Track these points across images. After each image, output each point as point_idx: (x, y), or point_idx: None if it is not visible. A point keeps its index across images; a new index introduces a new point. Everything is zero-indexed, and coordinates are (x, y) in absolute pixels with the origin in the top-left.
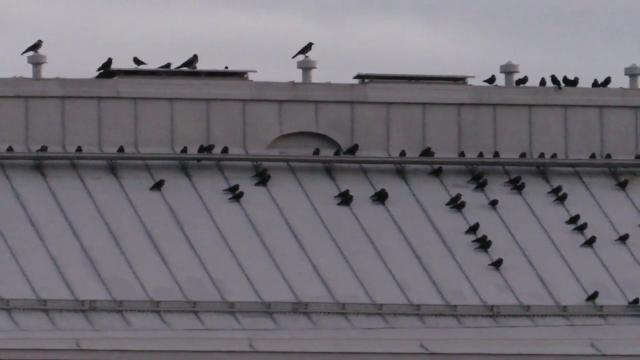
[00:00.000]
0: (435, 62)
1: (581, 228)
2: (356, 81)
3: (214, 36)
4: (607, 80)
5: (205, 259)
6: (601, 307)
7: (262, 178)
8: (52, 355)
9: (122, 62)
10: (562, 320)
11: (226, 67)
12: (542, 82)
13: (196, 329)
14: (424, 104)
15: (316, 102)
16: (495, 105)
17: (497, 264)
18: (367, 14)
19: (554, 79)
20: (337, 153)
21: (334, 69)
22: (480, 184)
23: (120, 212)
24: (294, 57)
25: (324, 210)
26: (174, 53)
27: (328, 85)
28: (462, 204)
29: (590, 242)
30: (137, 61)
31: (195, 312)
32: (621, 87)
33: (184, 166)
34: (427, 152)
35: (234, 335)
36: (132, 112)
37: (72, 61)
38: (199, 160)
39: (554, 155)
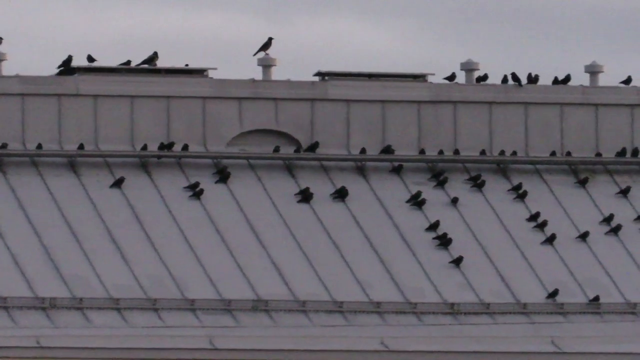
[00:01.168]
0: (395, 59)
1: (541, 226)
2: (316, 79)
3: (175, 34)
4: (567, 78)
5: (165, 257)
6: (561, 304)
7: (223, 175)
8: (12, 353)
9: (82, 60)
10: (523, 318)
11: (186, 65)
12: (504, 80)
13: (156, 327)
14: (384, 101)
15: (276, 99)
16: (455, 102)
17: (457, 261)
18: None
19: (514, 77)
20: (297, 150)
21: (294, 67)
22: (440, 181)
23: (81, 210)
24: (254, 54)
25: (284, 207)
26: (134, 50)
27: (288, 82)
28: (423, 202)
29: (550, 239)
30: (90, 59)
31: (156, 310)
32: (581, 85)
33: (144, 164)
34: (387, 150)
35: (194, 332)
36: (92, 109)
37: (32, 58)
38: (159, 157)
39: (514, 153)
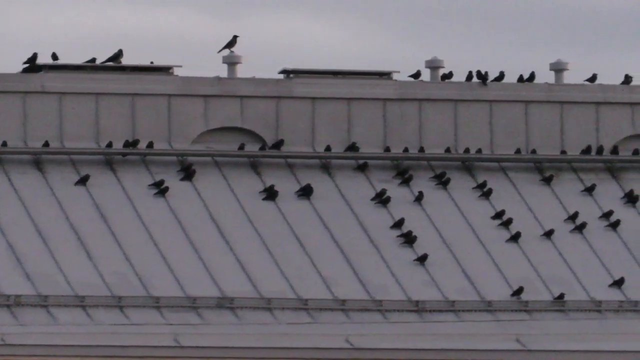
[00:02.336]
0: (360, 57)
1: (506, 223)
2: (281, 76)
3: (140, 31)
4: (532, 76)
5: (130, 254)
6: (526, 302)
7: (187, 173)
8: None
9: (47, 58)
10: (487, 316)
11: (152, 62)
12: (469, 77)
13: (121, 324)
14: (349, 99)
15: (241, 97)
16: (420, 100)
17: (422, 259)
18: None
19: (479, 75)
20: (262, 148)
21: (260, 64)
22: (405, 179)
23: (46, 207)
24: (219, 51)
25: (249, 205)
26: (99, 48)
27: (253, 80)
28: (387, 199)
29: (515, 237)
30: (54, 56)
31: (120, 307)
32: (546, 83)
33: (109, 161)
34: (352, 147)
35: (159, 330)
36: (57, 106)
37: None
38: (124, 155)
39: (479, 151)
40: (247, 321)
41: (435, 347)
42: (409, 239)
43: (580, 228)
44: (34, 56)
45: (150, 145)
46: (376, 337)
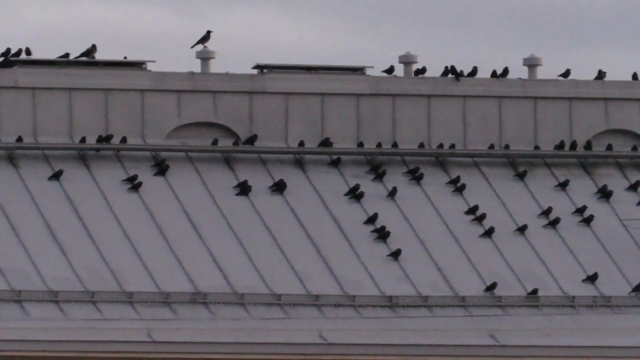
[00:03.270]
0: (333, 52)
1: (480, 219)
2: (255, 71)
3: (113, 27)
4: (506, 71)
5: (103, 249)
6: (500, 297)
7: (161, 168)
8: None
9: (20, 52)
10: (461, 311)
11: (125, 58)
12: (445, 72)
13: (94, 319)
14: (322, 94)
15: (215, 92)
16: (393, 95)
17: (395, 254)
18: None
19: (452, 70)
20: (235, 143)
21: (233, 60)
22: (378, 174)
23: (19, 202)
24: (192, 47)
25: (223, 200)
26: (73, 43)
27: (227, 75)
28: (361, 195)
29: (488, 232)
30: (27, 52)
31: (94, 302)
32: (520, 78)
33: (83, 156)
34: (325, 143)
35: (133, 325)
36: (30, 101)
37: None
38: (97, 150)
39: (453, 146)
40: (221, 316)
41: (408, 343)
42: (382, 234)
43: (554, 223)
44: (7, 51)
45: (123, 140)
46: (350, 333)
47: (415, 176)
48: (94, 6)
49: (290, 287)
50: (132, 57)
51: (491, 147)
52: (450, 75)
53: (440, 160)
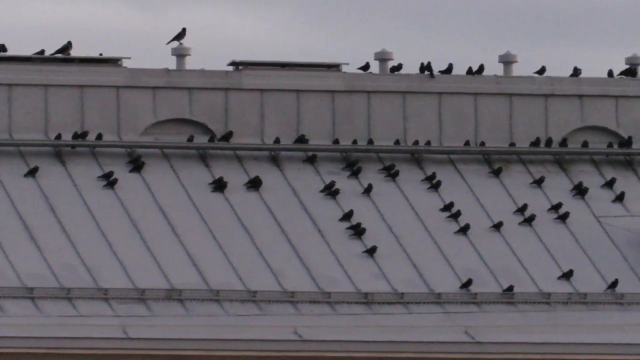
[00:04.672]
0: (309, 49)
1: (455, 215)
2: (230, 68)
3: (89, 23)
4: (481, 68)
5: (79, 246)
6: (475, 294)
7: (136, 165)
8: None
9: None
10: (436, 308)
11: (100, 54)
12: (421, 68)
13: (70, 316)
14: (298, 90)
15: (190, 88)
16: (369, 92)
17: (371, 251)
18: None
19: (428, 67)
20: (211, 140)
21: (209, 56)
22: (354, 171)
23: None
24: (167, 43)
25: (198, 197)
26: (48, 40)
27: (202, 72)
28: (336, 191)
29: (464, 229)
30: (2, 48)
31: (69, 299)
32: (495, 75)
33: (58, 153)
34: (301, 139)
35: (108, 321)
36: (6, 98)
37: None
38: (73, 147)
39: (428, 143)
40: (196, 313)
41: (384, 339)
42: (357, 231)
43: (529, 220)
44: None
45: (99, 137)
46: (325, 329)
47: (391, 173)
48: (69, 3)
49: (266, 284)
50: (107, 54)
51: (467, 143)
52: (426, 73)
53: (416, 157)
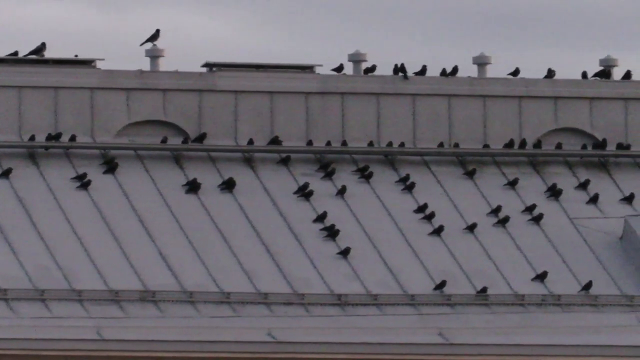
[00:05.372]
0: (282, 50)
1: (429, 217)
2: (204, 69)
3: (63, 25)
4: (455, 69)
5: (52, 247)
6: (449, 296)
7: (110, 166)
8: None
9: None
10: (410, 309)
11: (76, 55)
12: (395, 70)
13: (44, 317)
14: (272, 92)
15: (164, 90)
16: (343, 94)
17: (345, 252)
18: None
19: (401, 68)
20: (185, 141)
21: (182, 58)
22: (328, 172)
23: None
24: (141, 44)
25: (172, 198)
26: (22, 41)
27: (176, 73)
28: (310, 193)
29: (438, 231)
30: None
31: (43, 300)
32: (469, 76)
33: (32, 154)
34: (275, 141)
35: (82, 323)
36: None
37: None
38: (46, 148)
39: (402, 144)
40: (170, 314)
41: (357, 341)
42: (331, 233)
43: (503, 222)
44: None
45: (72, 138)
46: (299, 331)
47: (365, 174)
48: (44, 4)
49: (240, 286)
50: (81, 55)
51: (440, 145)
52: (400, 74)
53: (390, 159)
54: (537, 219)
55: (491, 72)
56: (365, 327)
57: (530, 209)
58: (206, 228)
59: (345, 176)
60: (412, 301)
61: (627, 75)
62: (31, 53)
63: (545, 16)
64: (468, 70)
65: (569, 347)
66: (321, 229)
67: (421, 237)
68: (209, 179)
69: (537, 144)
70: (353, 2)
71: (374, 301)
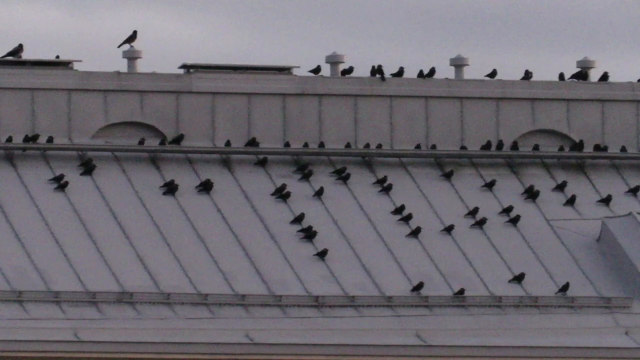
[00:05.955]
0: (260, 52)
1: (406, 219)
2: (181, 71)
3: (40, 27)
4: (432, 71)
5: (30, 249)
6: (426, 297)
7: (87, 168)
8: None
9: None
10: (388, 311)
11: (57, 57)
12: (373, 72)
13: (21, 318)
14: (249, 94)
15: (141, 91)
16: (320, 95)
17: (322, 254)
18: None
19: (379, 70)
20: (162, 143)
21: (160, 59)
22: (305, 174)
23: None
24: (119, 46)
25: (149, 200)
26: None
27: (153, 75)
28: (288, 194)
29: (415, 232)
30: None
31: (20, 302)
32: (446, 78)
33: (9, 156)
34: (252, 143)
35: (59, 324)
36: None
37: None
38: (24, 149)
39: (380, 146)
40: (147, 316)
41: (335, 343)
42: (309, 234)
43: (481, 223)
44: None
45: (50, 140)
46: (276, 332)
47: (342, 176)
48: (21, 6)
49: (217, 287)
50: (59, 57)
51: (418, 147)
52: (377, 76)
53: (367, 160)
54: (514, 221)
55: (468, 73)
56: (342, 328)
57: (507, 210)
58: (183, 229)
59: (323, 178)
60: (389, 303)
61: (604, 77)
62: (8, 54)
63: (522, 18)
64: (445, 72)
65: (546, 349)
66: (298, 231)
67: (398, 239)
68: (187, 180)
69: (515, 146)
70: (331, 3)
71: (351, 303)
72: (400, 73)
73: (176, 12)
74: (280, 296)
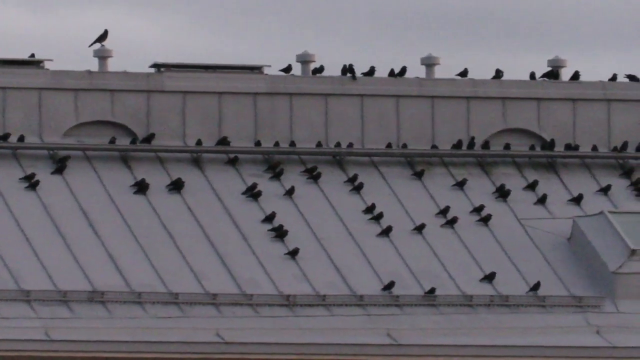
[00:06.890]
0: (230, 51)
1: (377, 218)
2: (152, 70)
3: (11, 25)
4: (403, 70)
5: (0, 247)
6: (397, 296)
7: (58, 167)
8: None
9: None
10: (358, 310)
11: (32, 55)
12: (344, 71)
13: None
14: (220, 93)
15: (112, 90)
16: (291, 94)
17: (293, 253)
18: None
19: (350, 69)
20: (133, 142)
21: (131, 58)
22: (276, 173)
23: None
24: (90, 45)
25: (120, 199)
26: None
27: (124, 74)
28: (258, 193)
29: (386, 231)
30: None
31: None
32: (417, 77)
33: None
34: (223, 141)
35: (30, 324)
36: None
37: None
38: None
39: (350, 145)
40: (118, 315)
41: (306, 341)
42: (279, 233)
43: (451, 223)
44: None
45: (21, 138)
46: (247, 332)
47: (313, 175)
48: None
49: (188, 286)
50: (29, 56)
51: (389, 146)
52: (348, 75)
53: (338, 159)
54: (485, 220)
55: (439, 72)
56: (313, 327)
57: (478, 209)
58: (154, 228)
59: (294, 177)
60: (360, 302)
61: (576, 76)
62: None
63: (493, 17)
64: (416, 71)
65: (517, 348)
66: (269, 230)
67: (369, 238)
68: (157, 179)
69: (485, 145)
70: (301, 3)
71: (322, 302)
72: (371, 72)
73: (147, 11)
74: (251, 295)
